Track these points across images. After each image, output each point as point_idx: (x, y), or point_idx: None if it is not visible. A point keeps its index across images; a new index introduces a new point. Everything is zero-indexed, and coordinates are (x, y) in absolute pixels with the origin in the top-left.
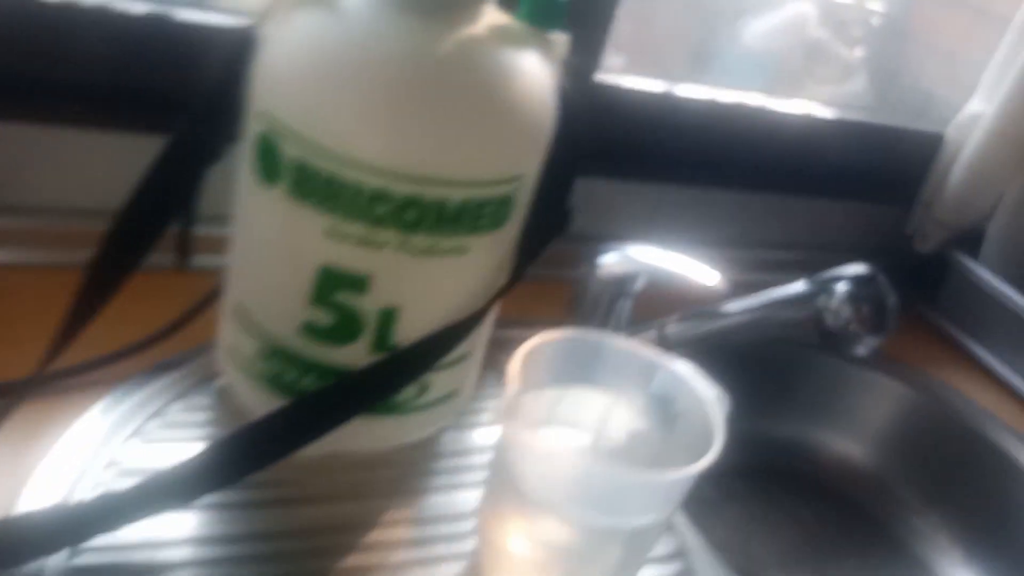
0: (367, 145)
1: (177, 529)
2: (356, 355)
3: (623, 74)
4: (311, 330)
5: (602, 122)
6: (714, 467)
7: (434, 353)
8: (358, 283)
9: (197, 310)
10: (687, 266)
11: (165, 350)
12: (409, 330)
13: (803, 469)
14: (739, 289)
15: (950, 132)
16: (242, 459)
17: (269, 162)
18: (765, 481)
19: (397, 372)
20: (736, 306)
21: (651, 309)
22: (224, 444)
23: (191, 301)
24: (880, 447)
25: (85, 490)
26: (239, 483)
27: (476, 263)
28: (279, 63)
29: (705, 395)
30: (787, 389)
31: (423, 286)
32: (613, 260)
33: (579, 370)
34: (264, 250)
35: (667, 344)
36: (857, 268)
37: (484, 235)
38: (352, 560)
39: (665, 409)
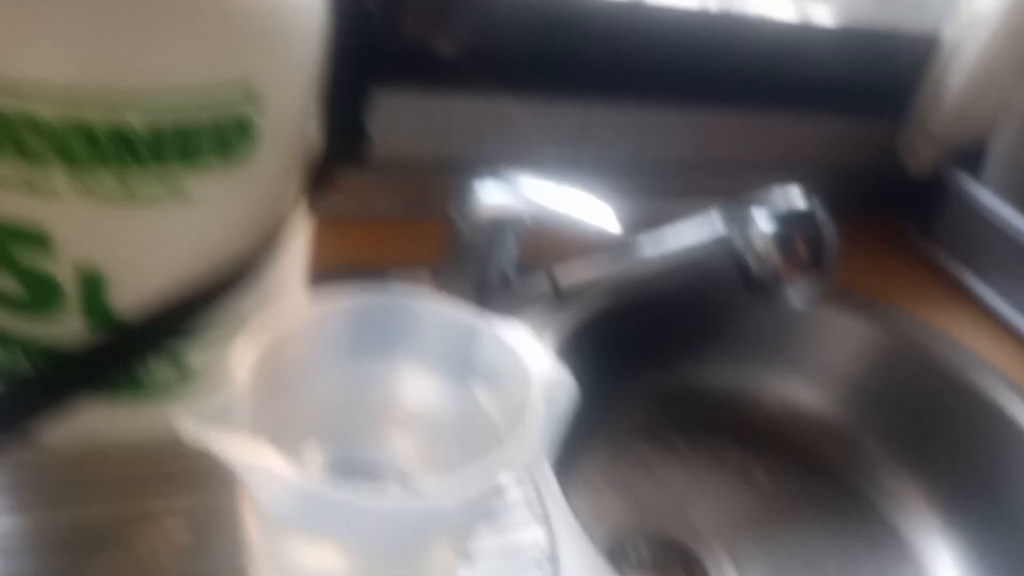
0: None
1: None
2: (69, 331)
3: None
4: (3, 299)
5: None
6: (652, 422)
7: (170, 327)
8: (36, 240)
9: None
10: (582, 206)
11: None
12: (129, 299)
13: (755, 423)
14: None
15: (948, 32)
16: None
17: None
18: (714, 439)
19: (121, 350)
20: (642, 249)
21: (542, 249)
22: None
23: None
24: (846, 396)
25: None
26: None
27: (208, 212)
28: None
29: (533, 375)
30: (729, 330)
31: (128, 244)
32: (490, 195)
33: (383, 345)
34: None
35: (562, 295)
36: (783, 193)
37: (211, 174)
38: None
39: (493, 388)
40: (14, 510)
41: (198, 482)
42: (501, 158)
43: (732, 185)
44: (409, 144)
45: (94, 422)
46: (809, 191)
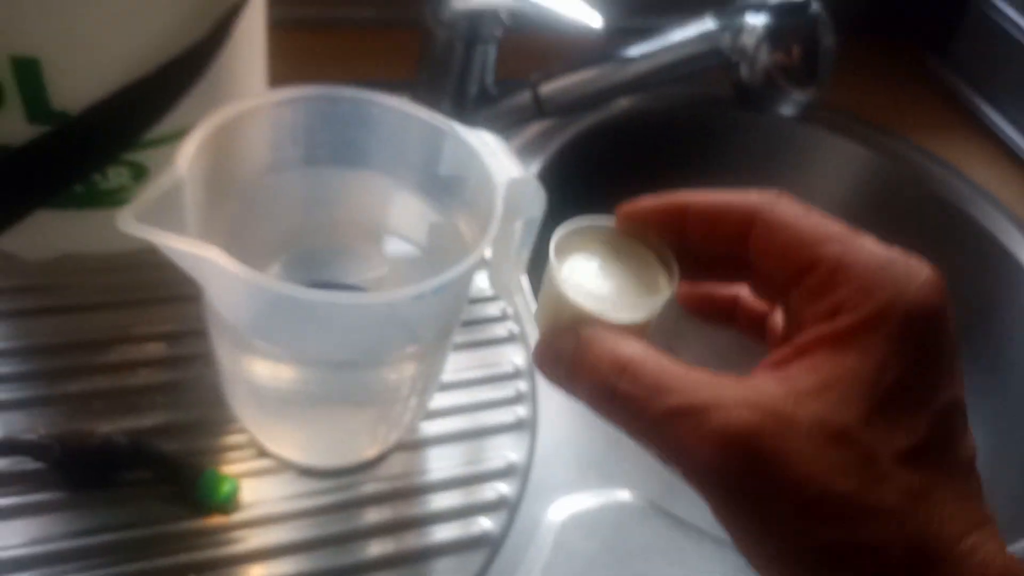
0: None
1: None
2: (11, 128)
3: None
4: None
5: None
6: None
7: (124, 121)
8: None
9: None
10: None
11: None
12: (73, 89)
13: None
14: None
15: None
16: None
17: None
18: None
19: (72, 149)
20: (629, 52)
21: (521, 62)
22: None
23: None
24: None
25: None
26: None
27: None
28: None
29: (497, 177)
30: (721, 153)
31: (62, 22)
32: None
33: (338, 146)
34: None
35: (544, 107)
36: None
37: None
38: (79, 385)
39: (454, 196)
40: None
41: (173, 292)
42: None
43: None
44: None
45: (56, 230)
46: None
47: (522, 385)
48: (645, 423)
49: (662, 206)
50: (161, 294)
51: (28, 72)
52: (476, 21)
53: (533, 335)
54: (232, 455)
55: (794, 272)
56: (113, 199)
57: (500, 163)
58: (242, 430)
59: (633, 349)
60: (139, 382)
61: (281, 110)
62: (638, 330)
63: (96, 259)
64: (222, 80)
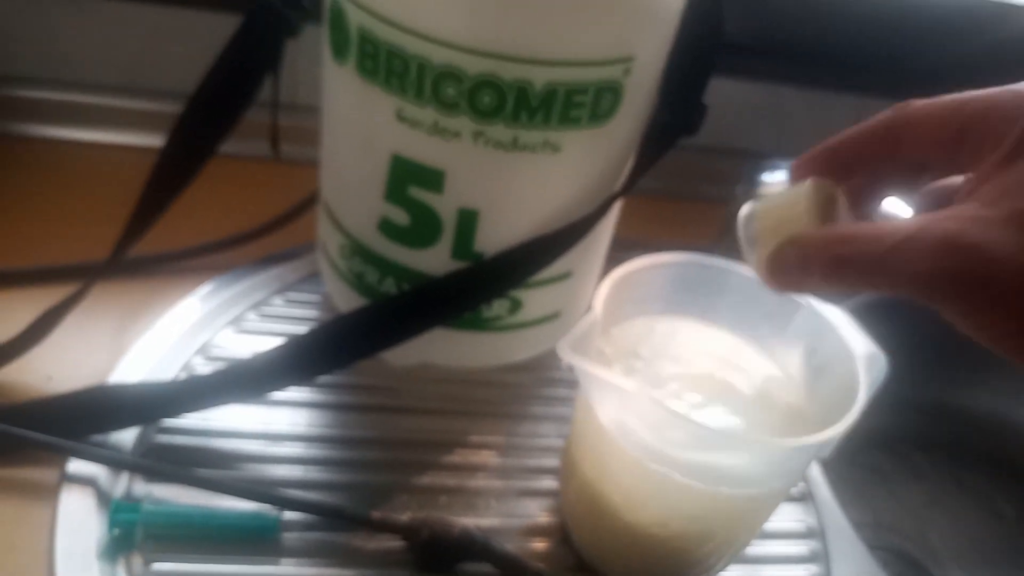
0: (431, 13)
1: (263, 423)
2: (436, 261)
3: None
4: (388, 228)
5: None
6: (893, 434)
7: (522, 267)
8: (432, 178)
9: (308, 203)
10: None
11: (276, 242)
12: (493, 238)
13: (1009, 454)
14: None
15: None
16: (315, 357)
17: (338, 34)
18: (958, 460)
19: (479, 284)
20: None
21: None
22: (299, 341)
23: (293, 192)
24: None
25: (172, 371)
26: (313, 381)
27: (572, 165)
28: None
29: (855, 349)
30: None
31: (505, 187)
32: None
33: (695, 303)
34: (339, 136)
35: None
36: None
37: (581, 131)
38: (428, 479)
39: (803, 359)
40: (356, 408)
41: (502, 408)
42: (778, 149)
43: None
44: None
45: (428, 343)
46: None
47: (815, 544)
48: (876, 265)
49: (879, 127)
50: (491, 409)
51: (467, 220)
52: None
53: (823, 495)
54: (553, 564)
55: (954, 141)
56: (487, 325)
57: (853, 336)
58: (565, 542)
59: (849, 226)
60: (477, 484)
61: (656, 271)
62: None
63: (444, 371)
64: (588, 237)
